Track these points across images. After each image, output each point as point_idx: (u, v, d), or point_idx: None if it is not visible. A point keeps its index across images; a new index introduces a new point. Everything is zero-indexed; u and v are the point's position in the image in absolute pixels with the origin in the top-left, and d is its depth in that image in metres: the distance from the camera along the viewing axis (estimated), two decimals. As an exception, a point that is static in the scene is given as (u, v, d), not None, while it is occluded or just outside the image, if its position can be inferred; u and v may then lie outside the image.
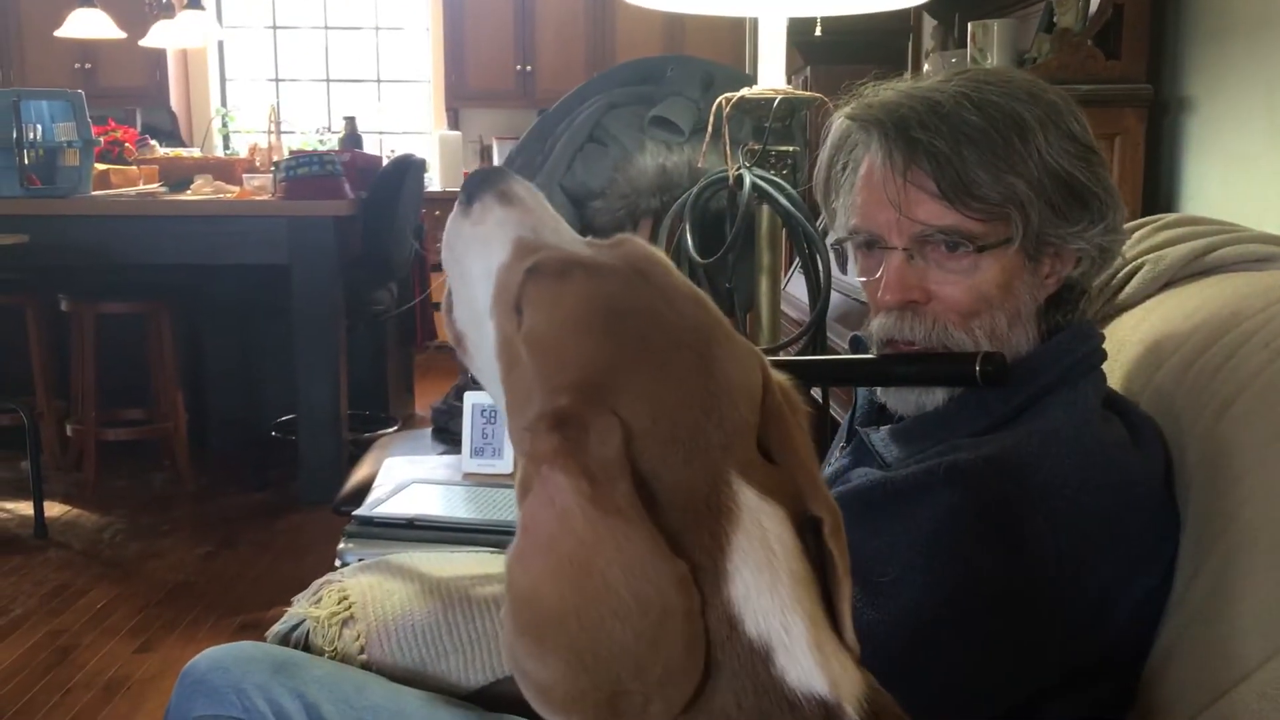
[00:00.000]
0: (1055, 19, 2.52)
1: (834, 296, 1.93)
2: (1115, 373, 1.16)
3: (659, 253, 0.67)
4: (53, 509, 3.85)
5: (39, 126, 3.89)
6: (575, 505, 0.56)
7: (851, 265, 1.13)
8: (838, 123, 1.11)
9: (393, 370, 4.95)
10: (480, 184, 0.71)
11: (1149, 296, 1.24)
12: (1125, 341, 1.19)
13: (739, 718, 0.57)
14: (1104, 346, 1.09)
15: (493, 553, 1.42)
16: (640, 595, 0.55)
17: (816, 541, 0.65)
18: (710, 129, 1.71)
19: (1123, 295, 1.26)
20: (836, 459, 1.20)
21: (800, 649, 0.59)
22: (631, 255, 0.66)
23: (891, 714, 0.62)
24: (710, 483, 0.60)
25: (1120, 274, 1.27)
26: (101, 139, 4.39)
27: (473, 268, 0.69)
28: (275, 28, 7.70)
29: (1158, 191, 2.47)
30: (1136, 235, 1.30)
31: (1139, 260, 1.26)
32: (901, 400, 1.10)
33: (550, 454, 0.57)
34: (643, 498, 0.58)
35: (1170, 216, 1.36)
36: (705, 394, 0.61)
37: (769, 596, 0.59)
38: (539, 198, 0.71)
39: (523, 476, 0.60)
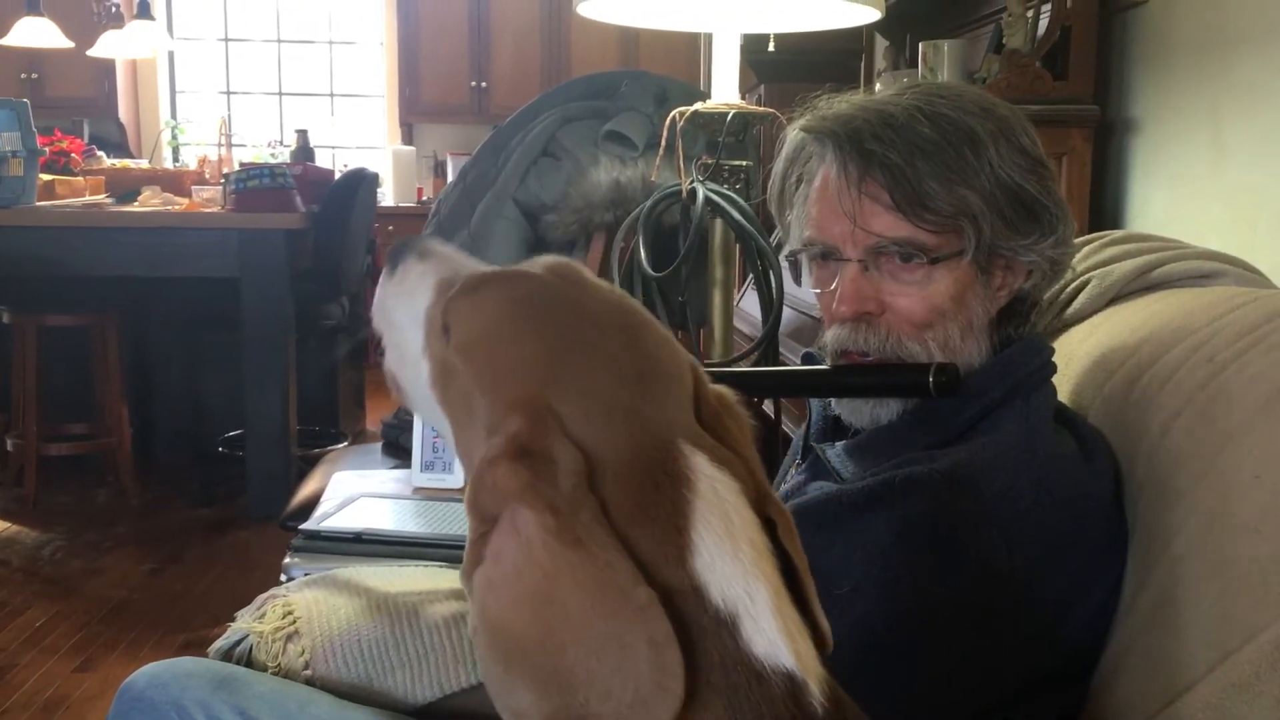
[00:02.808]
0: (1004, 40, 2.55)
1: (786, 312, 1.94)
2: (1064, 386, 1.17)
3: (570, 259, 0.71)
4: (-9, 525, 3.77)
5: (-18, 135, 3.82)
6: (539, 539, 0.58)
7: (805, 277, 1.13)
8: (792, 135, 1.11)
9: (343, 385, 4.91)
10: (401, 249, 0.77)
11: (1096, 311, 1.25)
12: (1073, 355, 1.20)
13: (707, 693, 0.57)
14: (1054, 360, 1.09)
15: (442, 567, 1.41)
16: (601, 625, 0.57)
17: (774, 544, 0.65)
18: (664, 143, 1.72)
19: (1070, 310, 1.27)
20: (792, 475, 1.20)
21: (765, 619, 0.59)
22: (546, 262, 0.70)
23: (848, 703, 0.63)
24: (662, 451, 0.62)
25: (1068, 289, 1.28)
26: (47, 149, 4.32)
27: (402, 318, 0.74)
28: (227, 40, 7.63)
29: (1104, 210, 2.51)
30: (1084, 251, 1.32)
31: (1086, 275, 1.28)
32: (856, 412, 1.10)
33: (517, 491, 0.59)
34: (597, 478, 0.60)
35: (1117, 233, 1.37)
36: (638, 373, 0.64)
37: (731, 564, 0.60)
38: (457, 251, 0.76)
39: (474, 493, 0.61)
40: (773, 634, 0.59)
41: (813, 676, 0.60)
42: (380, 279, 0.77)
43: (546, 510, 0.58)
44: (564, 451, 0.60)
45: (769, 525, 0.65)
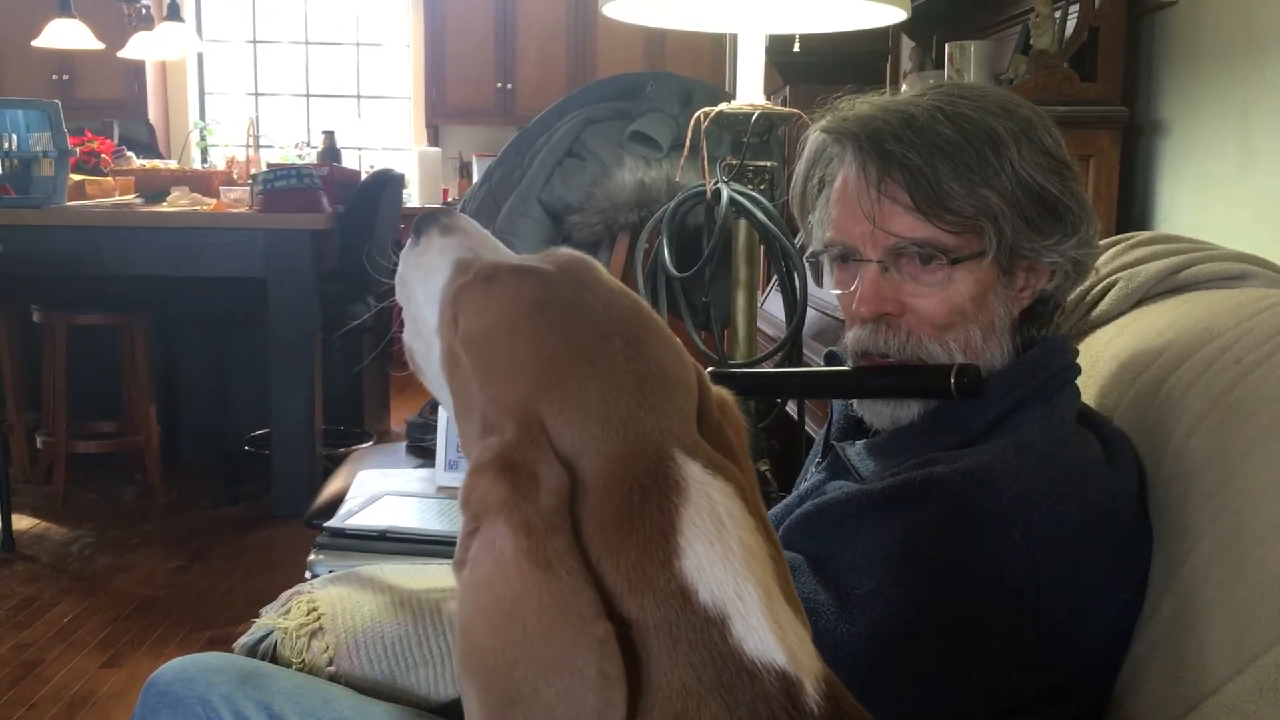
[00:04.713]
0: (1032, 40, 2.54)
1: (810, 313, 1.94)
2: (1089, 388, 1.16)
3: (587, 256, 0.71)
4: (21, 521, 3.81)
5: (14, 136, 3.86)
6: (511, 555, 0.59)
7: (827, 278, 1.13)
8: (813, 136, 1.11)
9: (369, 385, 4.93)
10: (425, 220, 0.77)
11: (1122, 313, 1.25)
12: (1099, 357, 1.20)
13: (700, 691, 0.58)
14: (1078, 362, 1.09)
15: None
16: (555, 650, 0.58)
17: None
18: (688, 144, 1.72)
19: (1096, 312, 1.26)
20: (812, 474, 1.19)
21: (755, 618, 0.60)
22: (558, 258, 0.70)
23: (847, 698, 0.63)
24: (653, 460, 0.62)
25: (1094, 290, 1.27)
26: (77, 149, 4.37)
27: (419, 292, 0.74)
28: (255, 42, 7.68)
29: (1131, 211, 2.49)
30: (1110, 253, 1.31)
31: (1113, 277, 1.27)
32: (877, 413, 1.10)
33: (497, 504, 0.60)
34: (574, 488, 0.61)
35: (1144, 235, 1.37)
36: (637, 380, 0.64)
37: (721, 567, 0.60)
38: (479, 227, 0.76)
39: (464, 493, 0.62)
40: (764, 633, 0.60)
41: (808, 674, 0.60)
42: (404, 249, 0.77)
43: (521, 529, 0.59)
44: (548, 469, 0.61)
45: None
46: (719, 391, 0.72)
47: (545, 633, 0.58)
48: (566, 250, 0.71)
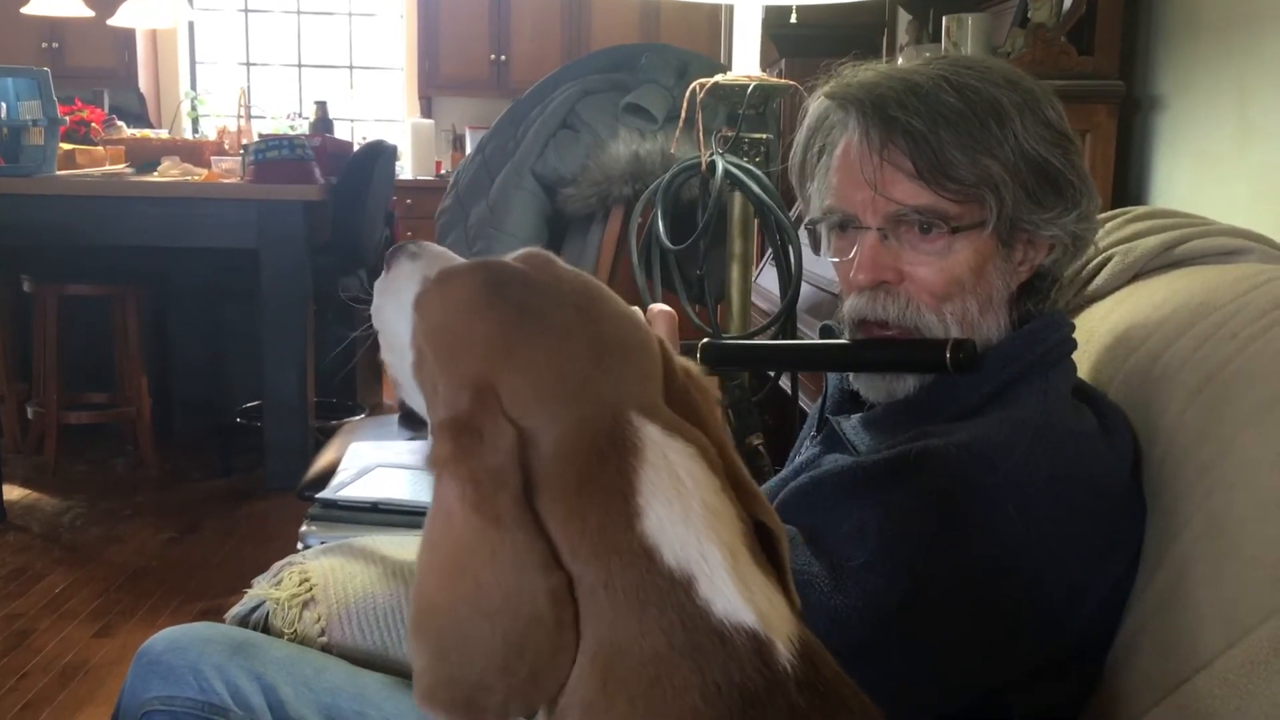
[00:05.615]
0: (1029, 14, 2.53)
1: (804, 287, 1.93)
2: (1085, 363, 1.16)
3: (546, 251, 0.73)
4: (12, 492, 3.80)
5: (3, 104, 3.82)
6: (459, 510, 0.60)
7: (825, 247, 1.13)
8: (815, 103, 1.10)
9: (361, 358, 4.92)
10: (394, 252, 0.80)
11: (1119, 287, 1.24)
12: (1095, 332, 1.20)
13: (672, 655, 0.58)
14: (1074, 336, 1.09)
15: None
16: (509, 601, 0.59)
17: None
18: (684, 116, 1.71)
19: (1093, 286, 1.26)
20: (807, 448, 1.19)
21: (721, 578, 0.60)
22: (519, 253, 0.72)
23: (826, 662, 0.63)
24: (610, 423, 0.63)
25: (1090, 265, 1.27)
26: (67, 119, 4.33)
27: (391, 312, 0.76)
28: (247, 11, 7.62)
29: (1128, 186, 2.49)
30: (1107, 227, 1.31)
31: (1109, 252, 1.27)
32: (872, 387, 1.09)
33: (443, 460, 0.61)
34: (534, 455, 0.62)
35: (1140, 209, 1.36)
36: (590, 343, 0.65)
37: (682, 527, 0.61)
38: (445, 249, 0.80)
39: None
40: (730, 594, 0.60)
41: (779, 635, 0.60)
42: (376, 281, 0.80)
43: (467, 481, 0.60)
44: (494, 427, 0.61)
45: (746, 498, 0.67)
46: (684, 362, 0.73)
47: (499, 585, 0.59)
48: (525, 248, 0.74)
